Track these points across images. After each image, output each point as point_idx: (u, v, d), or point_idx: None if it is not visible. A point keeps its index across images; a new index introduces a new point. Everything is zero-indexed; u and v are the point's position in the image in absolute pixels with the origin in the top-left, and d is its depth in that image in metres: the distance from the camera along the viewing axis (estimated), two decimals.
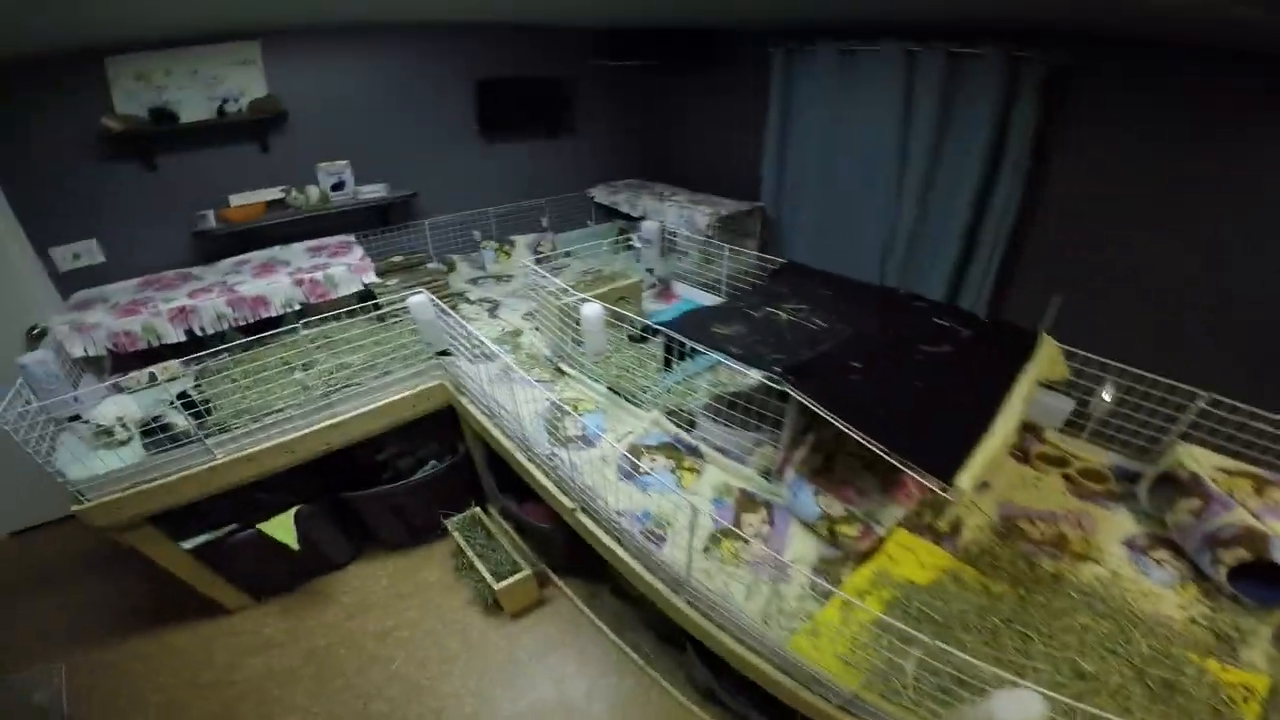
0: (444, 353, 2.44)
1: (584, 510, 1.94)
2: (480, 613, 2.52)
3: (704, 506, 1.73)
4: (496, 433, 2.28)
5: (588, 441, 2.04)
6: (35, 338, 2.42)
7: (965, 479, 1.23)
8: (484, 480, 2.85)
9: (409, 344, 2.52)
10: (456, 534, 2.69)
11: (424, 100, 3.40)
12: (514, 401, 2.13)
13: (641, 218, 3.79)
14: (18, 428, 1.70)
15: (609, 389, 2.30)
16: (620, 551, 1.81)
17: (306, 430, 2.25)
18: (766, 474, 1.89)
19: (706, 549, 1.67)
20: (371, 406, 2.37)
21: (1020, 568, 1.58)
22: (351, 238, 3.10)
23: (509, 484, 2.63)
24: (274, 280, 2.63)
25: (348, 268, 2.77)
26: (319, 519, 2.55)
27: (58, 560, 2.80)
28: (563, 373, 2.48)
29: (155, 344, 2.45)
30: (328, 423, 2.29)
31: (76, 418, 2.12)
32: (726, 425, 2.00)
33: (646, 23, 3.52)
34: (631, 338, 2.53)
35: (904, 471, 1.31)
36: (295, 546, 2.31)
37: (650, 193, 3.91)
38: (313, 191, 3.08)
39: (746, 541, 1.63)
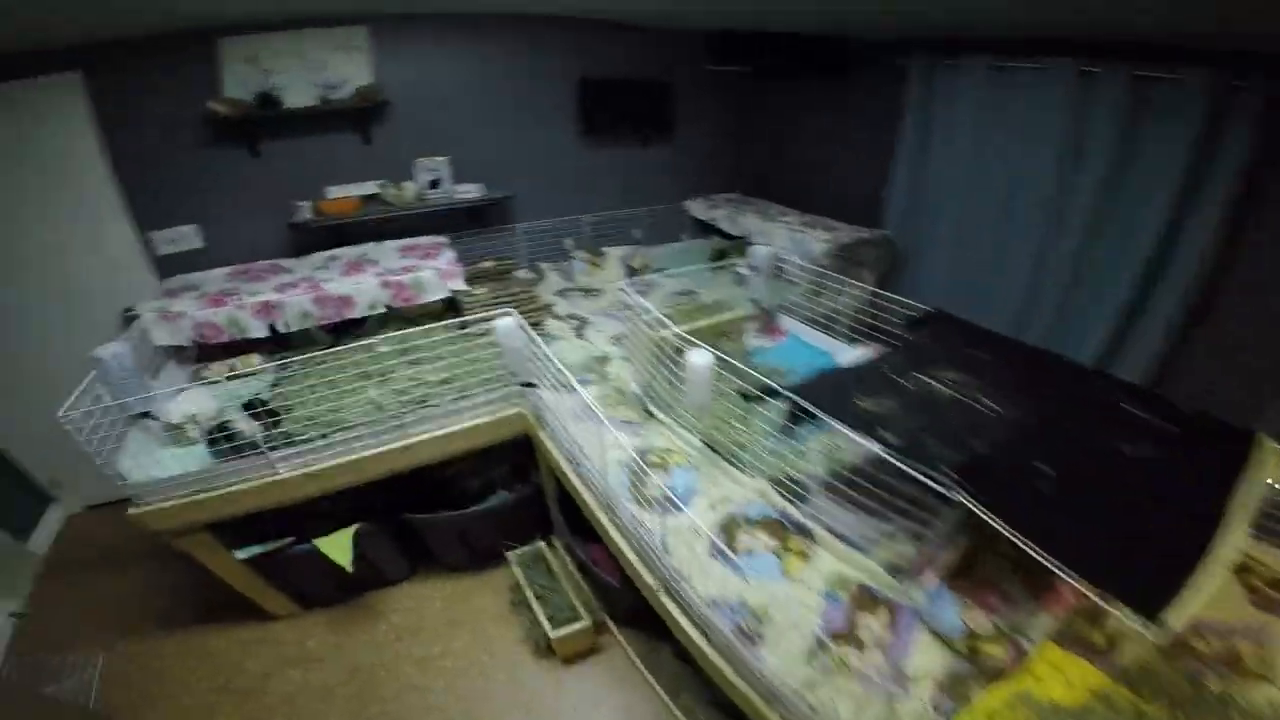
0: (528, 384, 2.20)
1: (668, 591, 1.64)
2: (530, 652, 2.32)
3: (813, 602, 1.45)
4: (576, 481, 2.02)
5: (676, 505, 1.74)
6: (128, 321, 2.38)
7: (1176, 616, 1.03)
8: (553, 515, 2.61)
9: (491, 364, 2.30)
10: (517, 569, 2.47)
11: (524, 97, 3.21)
12: (596, 444, 1.86)
13: (742, 238, 3.47)
14: (80, 427, 1.59)
15: (705, 444, 1.99)
16: (706, 648, 1.50)
17: (376, 450, 2.08)
18: (894, 569, 1.52)
19: (812, 654, 1.34)
20: (445, 431, 2.17)
21: (1182, 688, 1.25)
22: (444, 239, 2.95)
23: (579, 522, 2.38)
24: (361, 280, 2.49)
25: (436, 272, 2.61)
26: (379, 538, 2.40)
27: (123, 541, 2.77)
28: (652, 415, 2.20)
29: (238, 338, 2.37)
30: (399, 444, 2.11)
31: (147, 414, 2.04)
32: (848, 507, 1.65)
33: (764, 27, 3.18)
34: (745, 395, 2.16)
35: (1059, 576, 1.10)
36: (349, 569, 2.16)
37: (754, 210, 3.57)
38: (408, 188, 2.94)
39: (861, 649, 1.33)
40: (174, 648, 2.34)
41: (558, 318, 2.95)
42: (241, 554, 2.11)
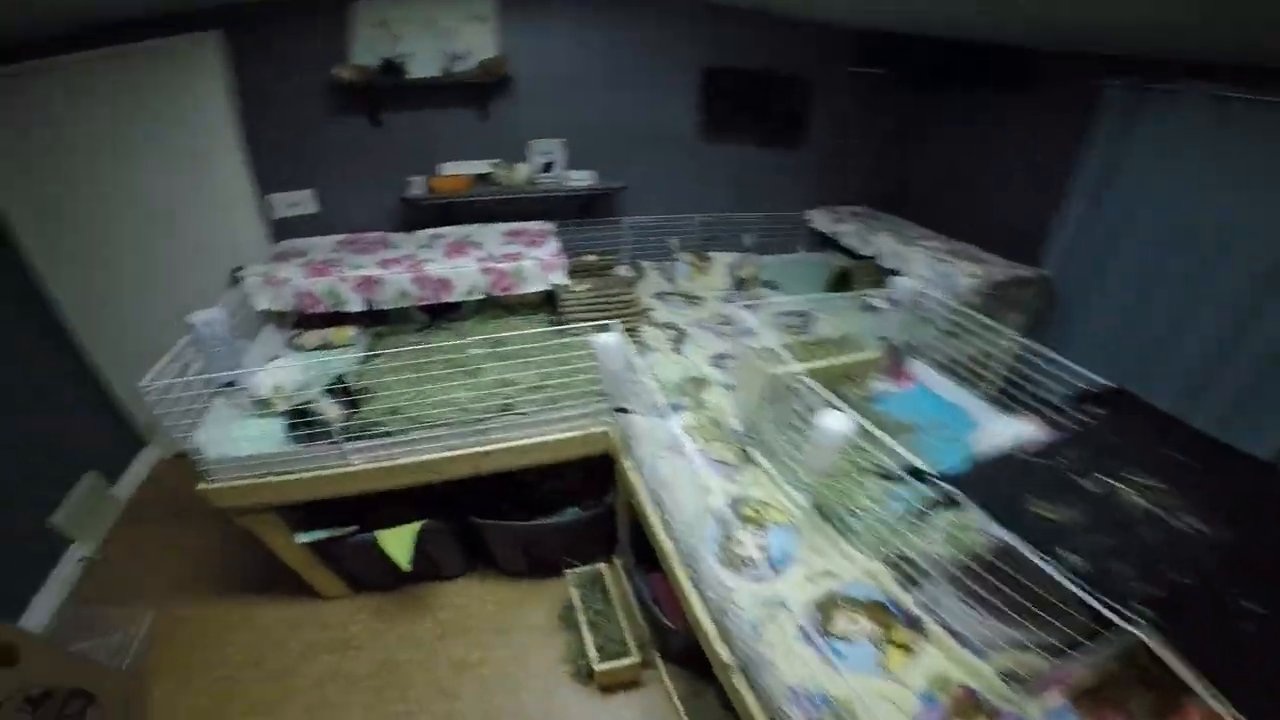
0: (621, 409, 1.99)
1: (744, 672, 1.40)
2: (569, 674, 2.16)
3: (907, 703, 1.23)
4: (655, 521, 1.80)
5: (769, 568, 1.48)
6: (235, 281, 2.40)
7: None
8: (620, 538, 2.42)
9: (586, 375, 2.11)
10: (574, 590, 2.31)
11: (645, 83, 2.97)
12: (685, 483, 1.63)
13: (870, 258, 3.08)
14: (162, 397, 1.54)
15: (815, 506, 1.70)
16: None
17: (453, 453, 1.95)
18: (1010, 677, 1.25)
19: None
20: (527, 441, 2.01)
21: None
22: (550, 226, 2.80)
23: (645, 549, 2.18)
24: (462, 264, 2.38)
25: (538, 263, 2.45)
26: (442, 536, 2.29)
27: (197, 499, 2.87)
28: (751, 459, 1.93)
29: (336, 309, 2.33)
30: (479, 449, 1.97)
31: (232, 384, 2.01)
32: (972, 603, 1.34)
33: (927, 30, 2.76)
34: (887, 476, 1.74)
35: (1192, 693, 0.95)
36: (407, 568, 2.07)
37: (887, 229, 3.16)
38: (521, 169, 2.81)
39: None
40: (221, 615, 2.34)
41: (655, 324, 2.73)
42: (304, 537, 2.06)
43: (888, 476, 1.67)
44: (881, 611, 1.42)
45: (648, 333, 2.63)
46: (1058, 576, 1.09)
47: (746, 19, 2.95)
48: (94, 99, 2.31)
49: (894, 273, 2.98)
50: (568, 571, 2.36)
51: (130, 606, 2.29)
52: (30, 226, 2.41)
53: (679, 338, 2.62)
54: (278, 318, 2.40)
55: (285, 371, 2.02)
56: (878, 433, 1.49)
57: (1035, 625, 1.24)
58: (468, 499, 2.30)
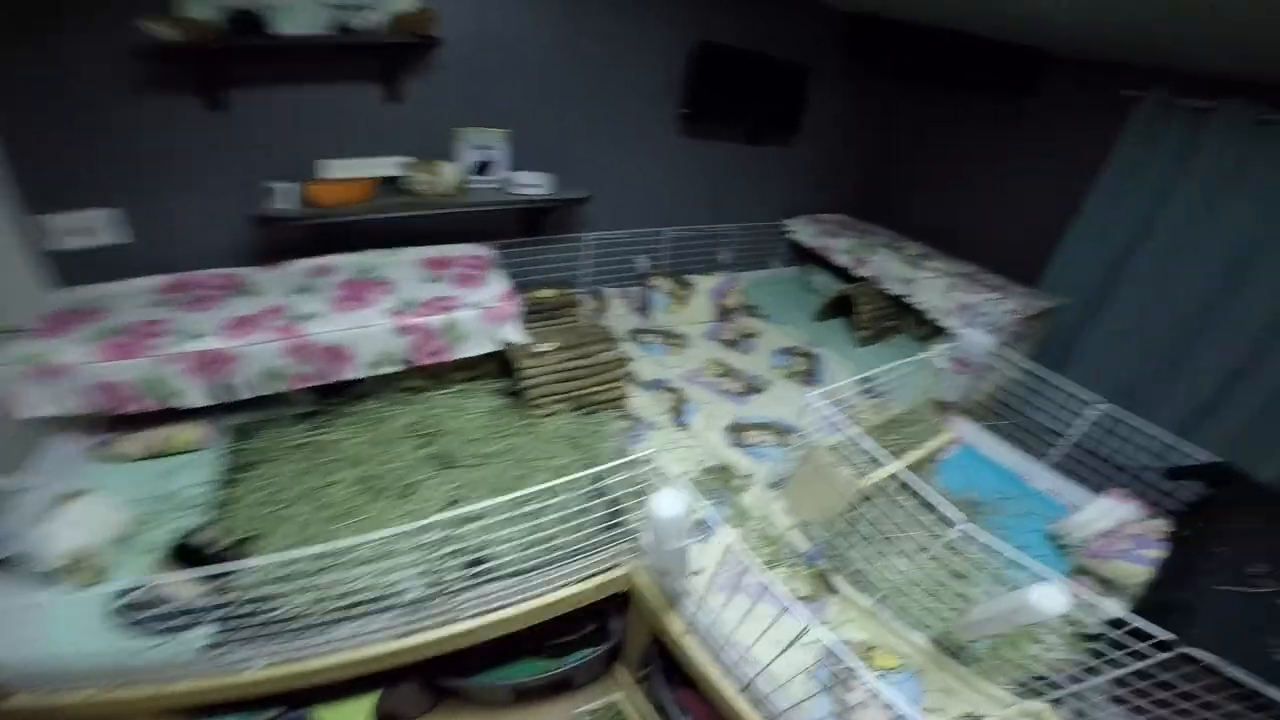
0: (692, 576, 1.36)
1: None
2: None
3: None
4: (725, 689, 1.23)
5: None
6: None
7: None
8: (649, 666, 1.81)
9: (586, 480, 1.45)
10: None
11: (619, 58, 2.28)
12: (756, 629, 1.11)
13: (865, 279, 2.67)
14: None
15: (935, 643, 1.25)
16: None
17: (403, 643, 1.23)
18: None
19: None
20: (514, 612, 1.33)
21: None
22: (489, 251, 2.06)
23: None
24: (365, 319, 1.61)
25: (480, 312, 1.74)
26: (405, 697, 1.57)
27: None
28: (832, 588, 1.43)
29: (164, 406, 1.47)
30: (441, 632, 1.27)
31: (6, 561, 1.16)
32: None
33: (936, 20, 2.36)
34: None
35: None
36: None
37: (884, 245, 2.76)
38: (446, 171, 2.01)
39: None
40: None
41: (643, 385, 2.12)
42: None
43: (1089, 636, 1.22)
44: None
45: (639, 401, 2.02)
46: None
47: None
48: None
49: (898, 299, 2.61)
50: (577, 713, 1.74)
51: None
52: None
53: (679, 405, 2.03)
54: (74, 423, 1.50)
55: (90, 521, 1.20)
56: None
57: None
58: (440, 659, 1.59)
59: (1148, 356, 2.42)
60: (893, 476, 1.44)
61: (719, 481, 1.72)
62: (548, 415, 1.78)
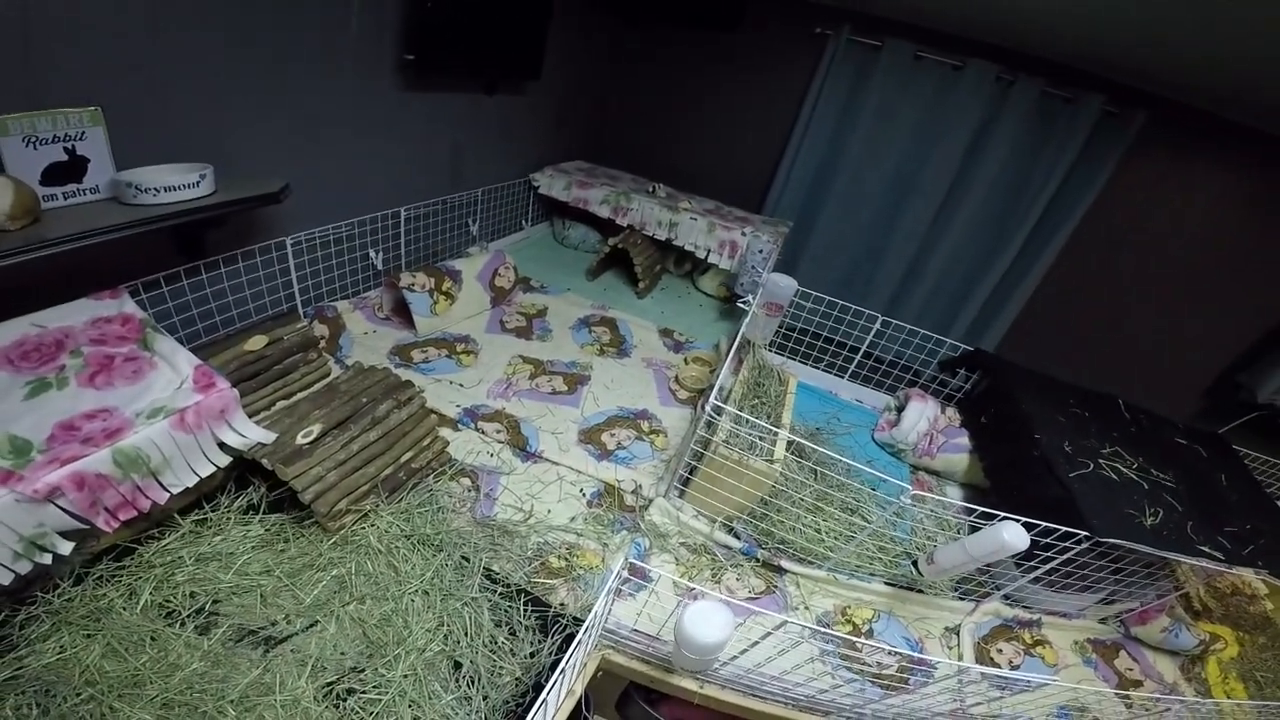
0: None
1: None
2: None
3: (1086, 674, 1.43)
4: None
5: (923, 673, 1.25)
6: None
7: None
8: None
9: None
10: None
11: None
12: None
13: (627, 229, 2.56)
14: None
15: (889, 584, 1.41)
16: None
17: None
18: (1105, 620, 1.56)
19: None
20: None
21: None
22: (129, 307, 1.25)
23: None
24: None
25: (167, 421, 1.05)
26: None
27: None
28: (780, 568, 1.38)
29: None
30: None
31: None
32: (1053, 590, 1.45)
33: None
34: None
35: None
36: None
37: (636, 190, 2.65)
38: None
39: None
40: None
41: (452, 423, 1.64)
42: None
43: None
44: (1007, 631, 1.45)
45: (458, 445, 1.56)
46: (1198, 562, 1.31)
47: None
48: None
49: (667, 242, 2.56)
50: None
51: None
52: None
53: (512, 430, 1.63)
54: None
55: None
56: None
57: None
58: None
59: (852, 260, 2.95)
60: (790, 443, 1.42)
61: (613, 509, 1.46)
62: (358, 523, 1.23)
